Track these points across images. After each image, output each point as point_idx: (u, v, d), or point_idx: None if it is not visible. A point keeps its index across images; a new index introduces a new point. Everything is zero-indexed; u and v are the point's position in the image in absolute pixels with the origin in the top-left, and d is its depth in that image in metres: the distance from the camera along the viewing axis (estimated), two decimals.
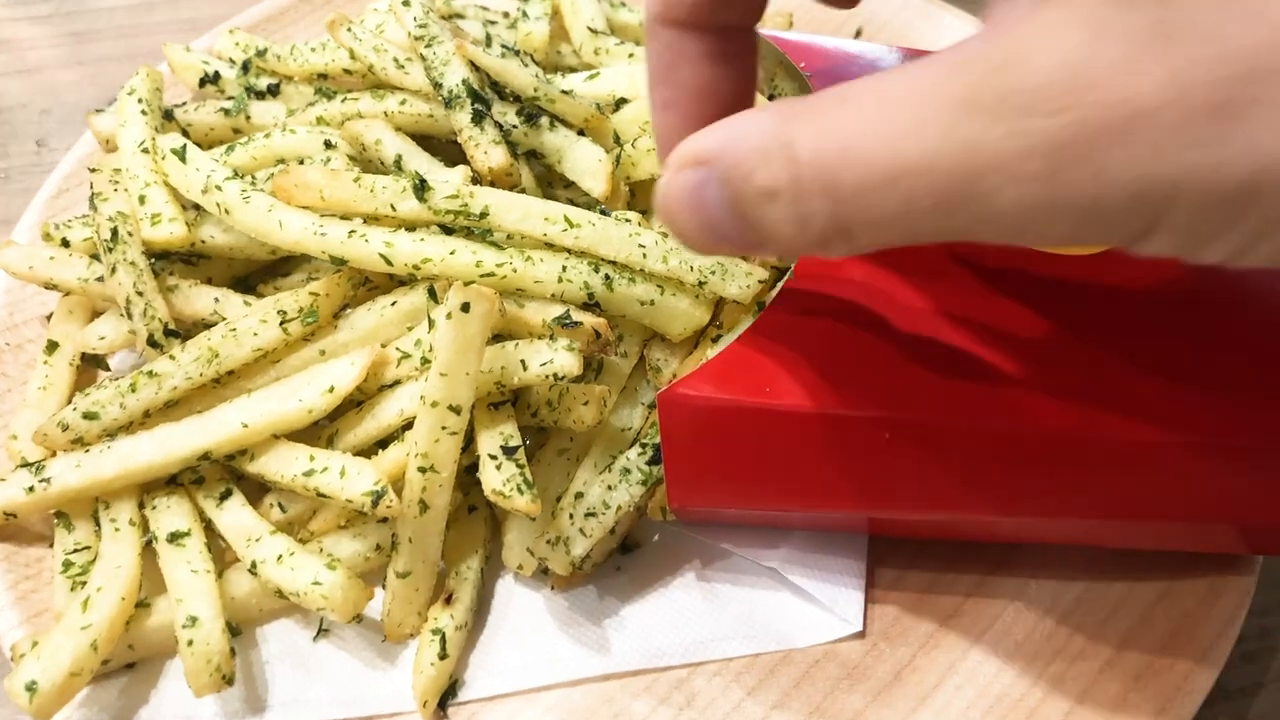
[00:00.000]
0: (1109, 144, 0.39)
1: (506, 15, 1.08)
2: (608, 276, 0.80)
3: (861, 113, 0.47)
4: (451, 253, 0.78)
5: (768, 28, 1.14)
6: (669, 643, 0.80)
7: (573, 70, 1.03)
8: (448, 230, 0.82)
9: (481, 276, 0.78)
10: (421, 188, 0.80)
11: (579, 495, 0.80)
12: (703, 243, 0.57)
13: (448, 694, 0.78)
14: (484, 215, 0.79)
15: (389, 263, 0.79)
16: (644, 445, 0.81)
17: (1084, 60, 0.39)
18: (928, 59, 0.46)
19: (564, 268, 0.79)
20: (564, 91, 0.91)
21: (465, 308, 0.70)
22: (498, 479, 0.74)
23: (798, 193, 0.49)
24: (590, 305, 0.80)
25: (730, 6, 0.61)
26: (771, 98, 1.01)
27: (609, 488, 0.80)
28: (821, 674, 0.79)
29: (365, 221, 0.82)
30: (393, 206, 0.81)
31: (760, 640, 0.80)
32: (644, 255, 0.80)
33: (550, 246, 0.81)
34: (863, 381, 0.69)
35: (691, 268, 0.81)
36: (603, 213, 0.85)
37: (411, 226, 0.82)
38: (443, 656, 0.77)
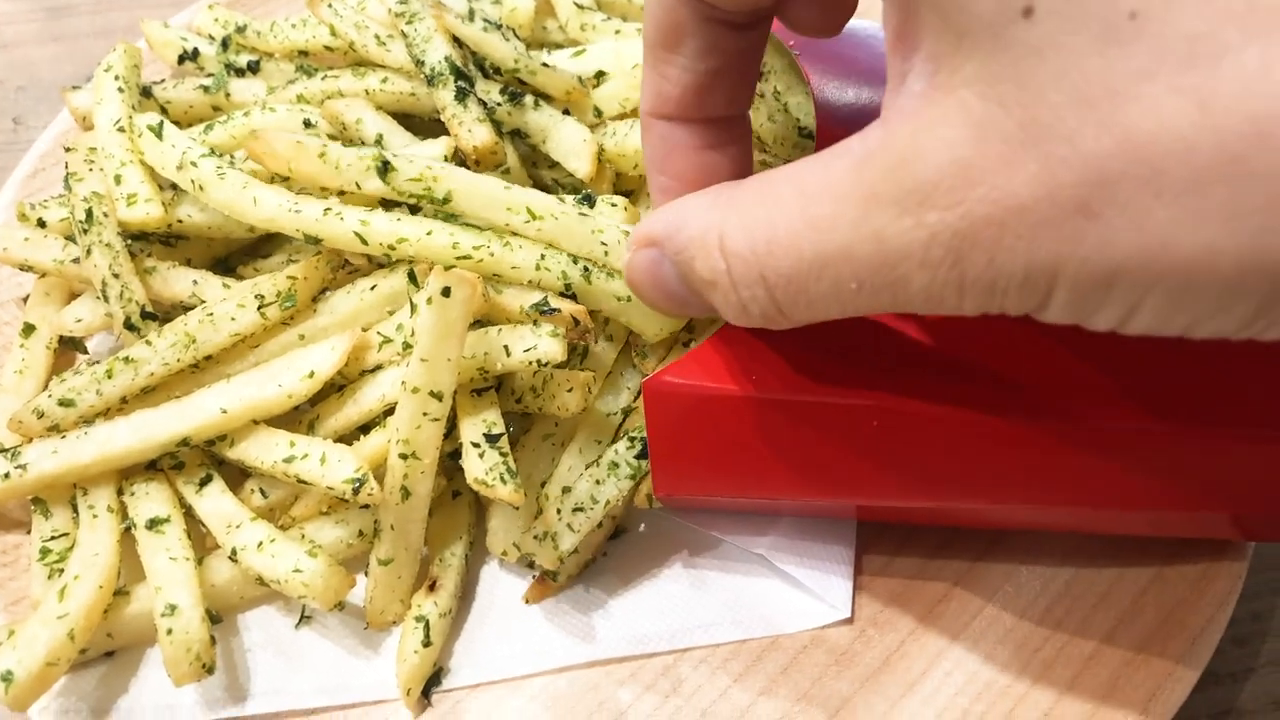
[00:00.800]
0: (998, 234, 0.44)
1: None
2: (586, 269, 0.78)
3: (783, 205, 0.52)
4: (428, 233, 0.77)
5: None
6: (655, 629, 0.79)
7: (559, 47, 1.01)
8: (414, 210, 0.80)
9: (458, 259, 0.76)
10: (385, 169, 0.78)
11: (566, 490, 0.79)
12: (667, 309, 0.64)
13: (432, 681, 0.77)
14: (447, 200, 0.78)
15: (364, 241, 0.77)
16: (632, 439, 0.80)
17: (969, 158, 0.44)
18: (837, 149, 0.51)
19: (542, 255, 0.77)
20: (544, 65, 0.89)
21: (446, 292, 0.68)
22: (480, 467, 0.73)
23: (734, 281, 0.55)
24: (568, 295, 0.79)
25: (714, 100, 0.65)
26: (760, 76, 1.00)
27: (597, 482, 0.79)
28: (809, 660, 0.78)
29: (342, 199, 0.80)
30: (357, 184, 0.79)
31: (747, 626, 0.79)
32: (605, 253, 0.78)
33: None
34: (850, 370, 0.68)
35: None
36: (587, 196, 0.84)
37: (389, 205, 0.80)
38: (426, 644, 0.76)
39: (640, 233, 0.62)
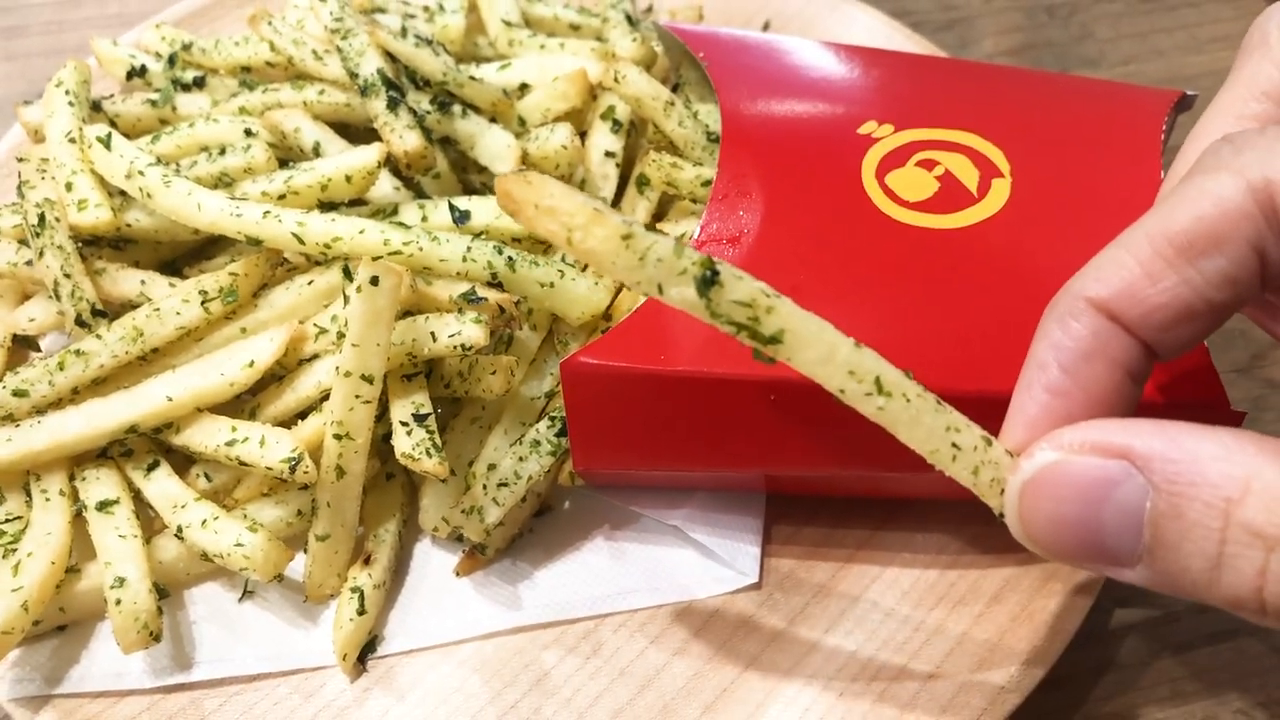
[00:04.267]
0: None
1: (426, 9, 1.12)
2: (510, 258, 0.84)
3: None
4: (361, 232, 0.82)
5: (679, 20, 1.19)
6: (577, 597, 0.85)
7: (489, 60, 1.07)
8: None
9: (390, 255, 0.82)
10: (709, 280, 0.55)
11: (491, 466, 0.85)
12: (1061, 541, 0.52)
13: (367, 649, 0.83)
14: (775, 339, 0.58)
15: (301, 241, 0.83)
16: (553, 419, 0.86)
17: None
18: None
19: (469, 248, 0.83)
20: (472, 78, 0.96)
21: (374, 281, 0.74)
22: (408, 443, 0.78)
23: None
24: (496, 285, 0.85)
25: (1192, 327, 0.55)
26: (676, 88, 1.07)
27: (520, 459, 0.84)
28: (720, 623, 0.84)
29: (280, 201, 0.86)
30: (660, 287, 0.56)
31: (663, 593, 0.85)
32: (954, 458, 0.59)
33: (456, 227, 0.85)
34: None
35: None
36: None
37: (325, 207, 0.86)
38: (361, 612, 0.81)
39: (1099, 438, 0.51)
